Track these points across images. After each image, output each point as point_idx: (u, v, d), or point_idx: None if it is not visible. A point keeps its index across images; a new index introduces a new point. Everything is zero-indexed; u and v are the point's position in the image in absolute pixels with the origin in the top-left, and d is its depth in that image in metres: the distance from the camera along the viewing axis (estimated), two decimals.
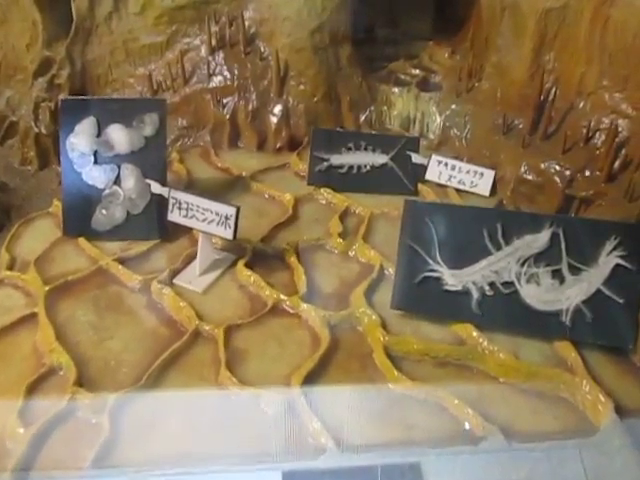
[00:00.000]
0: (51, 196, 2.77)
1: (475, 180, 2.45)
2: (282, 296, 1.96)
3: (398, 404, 1.62)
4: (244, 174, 2.71)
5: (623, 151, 2.02)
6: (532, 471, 1.48)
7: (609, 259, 1.68)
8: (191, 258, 2.15)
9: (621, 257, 1.67)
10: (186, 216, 2.05)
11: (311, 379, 1.67)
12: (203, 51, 3.02)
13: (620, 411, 1.53)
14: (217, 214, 1.99)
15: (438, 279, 1.80)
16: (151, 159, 2.31)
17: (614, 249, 1.68)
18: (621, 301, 1.67)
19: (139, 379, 1.68)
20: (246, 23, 2.93)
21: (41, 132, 3.18)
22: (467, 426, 1.54)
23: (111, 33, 3.07)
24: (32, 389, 1.67)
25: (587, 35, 2.10)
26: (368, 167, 2.57)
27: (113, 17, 3.03)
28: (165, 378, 1.71)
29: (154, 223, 2.28)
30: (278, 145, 2.94)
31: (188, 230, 2.23)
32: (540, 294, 1.71)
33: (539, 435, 1.54)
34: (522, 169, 2.26)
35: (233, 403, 1.64)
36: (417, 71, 3.02)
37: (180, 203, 2.05)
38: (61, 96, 3.11)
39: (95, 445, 1.49)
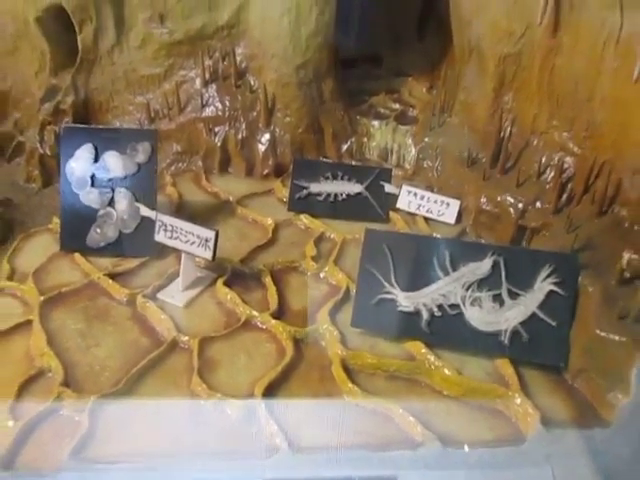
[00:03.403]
0: (52, 213, 2.99)
1: (442, 209, 2.65)
2: (254, 312, 2.15)
3: (349, 412, 1.80)
4: (231, 199, 2.92)
5: (569, 186, 2.21)
6: None
7: (544, 285, 1.86)
8: (175, 275, 2.34)
9: (554, 284, 1.85)
10: (171, 237, 2.25)
11: (272, 388, 1.85)
12: (197, 83, 3.24)
13: (547, 422, 1.70)
14: (198, 237, 2.19)
15: (393, 300, 1.99)
16: (143, 184, 2.52)
17: (548, 276, 1.86)
18: (554, 323, 1.84)
19: (119, 383, 1.86)
20: (237, 58, 3.16)
21: (45, 153, 3.39)
22: (408, 433, 1.71)
23: (113, 64, 3.30)
24: (23, 388, 1.86)
25: (538, 80, 2.31)
26: (344, 195, 2.77)
27: (115, 50, 3.26)
28: (142, 383, 1.90)
29: (144, 242, 2.47)
30: (265, 172, 3.15)
31: (175, 249, 2.43)
32: (482, 316, 1.89)
33: (474, 443, 1.70)
34: (482, 200, 2.45)
35: (201, 407, 1.82)
36: (397, 105, 3.24)
37: (166, 225, 2.25)
38: (64, 122, 3.35)
39: (74, 439, 1.68)
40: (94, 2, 3.08)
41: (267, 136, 3.15)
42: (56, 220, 2.77)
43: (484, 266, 1.91)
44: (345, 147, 3.17)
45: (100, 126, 3.15)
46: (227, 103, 3.18)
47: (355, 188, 2.76)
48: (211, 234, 2.16)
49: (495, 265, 1.90)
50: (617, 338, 1.71)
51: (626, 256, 1.78)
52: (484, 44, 2.48)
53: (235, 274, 2.37)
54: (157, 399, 1.85)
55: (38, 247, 2.66)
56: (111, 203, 2.53)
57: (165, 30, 3.15)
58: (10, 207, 3.16)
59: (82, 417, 1.75)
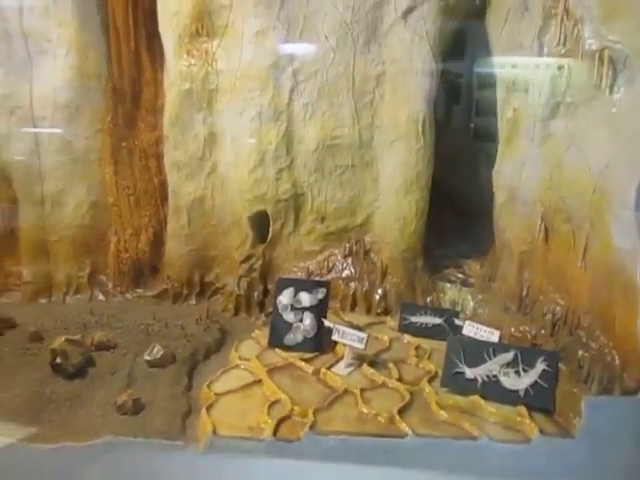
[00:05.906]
0: (248, 329, 5.04)
1: (490, 335, 4.47)
2: (387, 379, 4.01)
3: (441, 425, 3.57)
4: (360, 325, 4.89)
5: (558, 322, 4.09)
6: None
7: (541, 366, 3.67)
8: (338, 360, 4.25)
9: (546, 365, 3.66)
10: (341, 337, 4.20)
11: (401, 411, 3.65)
12: (339, 256, 5.40)
13: (543, 433, 3.42)
14: (357, 337, 4.13)
15: (463, 373, 3.82)
16: (319, 310, 4.54)
17: (543, 361, 3.67)
18: (546, 386, 3.62)
19: (322, 404, 3.71)
20: (365, 243, 5.34)
21: (240, 294, 5.53)
22: (472, 433, 3.47)
23: (288, 244, 5.54)
24: (270, 407, 3.73)
25: (540, 265, 4.32)
26: (431, 324, 4.70)
27: (291, 235, 5.51)
28: (334, 405, 3.74)
29: (317, 343, 4.43)
30: (378, 311, 5.15)
31: (332, 347, 4.38)
32: (509, 382, 3.70)
33: (507, 441, 3.43)
34: (512, 329, 4.34)
35: (366, 418, 3.63)
36: (460, 275, 5.27)
37: (339, 330, 4.22)
38: (252, 277, 5.55)
39: (306, 424, 3.51)
40: (285, 210, 5.40)
41: (380, 290, 5.21)
42: (257, 331, 4.81)
43: (509, 356, 3.75)
44: (429, 299, 5.17)
45: (298, 278, 5.29)
46: (357, 269, 5.29)
47: (437, 320, 4.70)
48: (365, 335, 4.11)
49: (515, 355, 3.75)
50: (576, 391, 3.49)
51: (580, 352, 3.61)
52: (512, 245, 4.57)
53: (372, 361, 4.26)
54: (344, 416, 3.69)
55: (249, 346, 4.67)
56: (301, 320, 4.53)
57: (324, 226, 5.40)
58: (220, 324, 5.25)
59: (308, 418, 3.59)
